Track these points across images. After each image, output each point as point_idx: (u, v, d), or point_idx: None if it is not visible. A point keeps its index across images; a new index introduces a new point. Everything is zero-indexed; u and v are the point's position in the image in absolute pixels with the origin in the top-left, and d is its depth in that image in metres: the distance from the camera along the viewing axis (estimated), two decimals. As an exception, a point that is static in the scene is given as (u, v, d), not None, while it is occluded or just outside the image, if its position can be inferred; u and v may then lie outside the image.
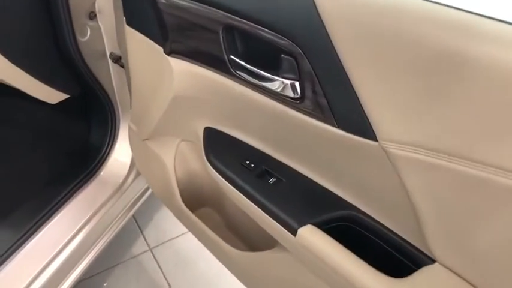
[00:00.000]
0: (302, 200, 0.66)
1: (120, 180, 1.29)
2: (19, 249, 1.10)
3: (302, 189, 0.68)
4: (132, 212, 1.35)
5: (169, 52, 0.75)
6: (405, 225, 0.56)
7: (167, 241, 1.58)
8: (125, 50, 0.93)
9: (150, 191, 1.42)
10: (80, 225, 1.20)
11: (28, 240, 1.12)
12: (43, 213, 1.17)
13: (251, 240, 0.93)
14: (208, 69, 0.71)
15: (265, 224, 0.69)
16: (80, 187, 1.26)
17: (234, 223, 0.97)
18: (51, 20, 0.99)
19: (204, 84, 0.73)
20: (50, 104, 1.13)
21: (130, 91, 1.01)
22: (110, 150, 1.29)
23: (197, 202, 1.00)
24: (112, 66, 1.18)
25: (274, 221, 0.66)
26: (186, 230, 1.56)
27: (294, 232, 0.62)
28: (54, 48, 1.04)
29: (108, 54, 1.16)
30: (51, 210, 1.19)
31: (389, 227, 0.59)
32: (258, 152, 0.75)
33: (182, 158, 0.97)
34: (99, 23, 1.11)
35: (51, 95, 1.09)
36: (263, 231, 0.78)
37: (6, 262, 1.05)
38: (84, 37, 1.09)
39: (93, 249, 1.23)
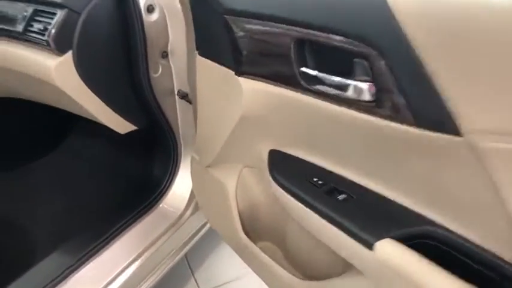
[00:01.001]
0: (376, 216, 0.63)
1: (178, 214, 1.30)
2: (72, 275, 1.12)
3: (374, 206, 0.64)
4: (185, 250, 1.35)
5: (240, 73, 0.78)
6: (498, 238, 0.50)
7: (219, 286, 1.53)
8: (194, 81, 0.99)
9: (205, 229, 1.42)
10: (133, 256, 1.20)
11: (81, 267, 1.14)
12: (98, 242, 1.20)
13: (314, 274, 0.87)
14: (278, 85, 0.72)
15: (335, 241, 0.65)
16: (137, 218, 1.28)
17: (296, 257, 0.93)
18: (130, 55, 1.08)
19: (272, 101, 0.74)
20: (115, 137, 1.20)
21: (195, 123, 1.05)
22: (170, 184, 1.32)
23: (256, 233, 0.98)
24: (178, 103, 1.25)
25: (346, 237, 0.62)
26: (239, 275, 1.51)
27: (369, 246, 0.58)
28: (129, 81, 1.12)
29: (176, 91, 1.23)
30: (106, 240, 1.21)
31: (478, 243, 0.53)
32: (325, 171, 0.73)
33: (244, 185, 0.97)
34: (170, 62, 1.19)
35: (121, 125, 1.16)
36: (328, 262, 0.73)
37: (59, 286, 1.07)
38: (156, 74, 1.17)
39: (142, 284, 1.22)
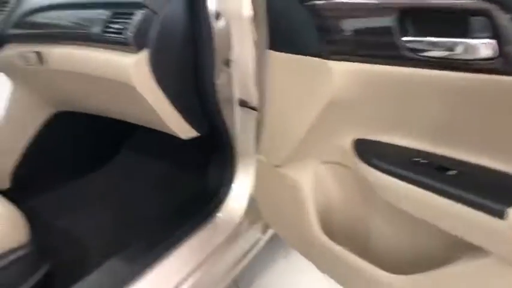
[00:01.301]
0: (496, 188, 0.58)
1: (235, 225, 1.25)
2: (125, 287, 1.06)
3: (491, 179, 0.60)
4: (242, 265, 1.29)
5: (330, 56, 0.77)
6: None
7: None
8: (264, 80, 0.99)
9: (259, 245, 1.37)
10: (189, 269, 1.15)
11: (135, 279, 1.09)
12: (153, 253, 1.15)
13: (405, 269, 0.81)
14: (375, 62, 0.71)
15: (453, 219, 0.60)
16: (193, 229, 1.24)
17: (382, 254, 0.86)
18: (198, 60, 1.09)
19: (367, 80, 0.73)
20: (170, 147, 1.20)
21: (258, 129, 1.04)
22: (226, 193, 1.29)
23: (331, 232, 0.93)
24: (237, 111, 1.24)
25: (468, 210, 0.57)
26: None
27: (500, 214, 0.53)
28: (195, 86, 1.12)
29: (235, 98, 1.23)
30: (161, 251, 1.17)
31: None
32: (423, 152, 0.70)
33: (319, 183, 0.93)
34: (232, 70, 1.20)
35: (184, 130, 1.15)
36: (426, 252, 0.68)
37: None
38: (219, 81, 1.18)
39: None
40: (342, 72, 0.75)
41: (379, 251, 0.87)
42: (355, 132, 0.81)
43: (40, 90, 1.40)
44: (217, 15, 1.09)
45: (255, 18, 1.06)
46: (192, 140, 1.23)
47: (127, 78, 0.97)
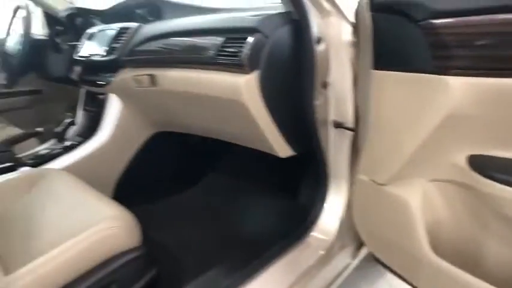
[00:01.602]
0: None
1: (326, 246, 1.25)
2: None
3: None
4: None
5: (445, 71, 0.78)
6: None
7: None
8: (367, 99, 1.01)
9: (349, 270, 1.34)
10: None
11: None
12: (245, 272, 1.17)
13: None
14: (498, 75, 0.71)
15: None
16: (283, 249, 1.25)
17: (495, 276, 0.82)
18: (300, 81, 1.15)
19: (488, 94, 0.73)
20: (262, 166, 1.24)
21: (354, 148, 1.06)
22: (318, 214, 1.30)
23: (441, 253, 0.90)
24: (331, 131, 1.27)
25: None
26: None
27: None
28: (296, 106, 1.18)
29: (330, 119, 1.27)
30: (253, 270, 1.19)
31: None
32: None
33: (428, 201, 0.92)
34: (328, 92, 1.24)
35: (283, 149, 1.20)
36: None
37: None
38: (317, 102, 1.22)
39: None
40: (461, 87, 0.76)
41: (493, 271, 0.83)
42: (470, 147, 0.80)
43: (145, 111, 1.54)
44: (319, 40, 1.15)
45: (357, 40, 1.11)
46: (283, 160, 1.27)
47: (238, 95, 1.05)
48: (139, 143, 1.61)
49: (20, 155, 1.53)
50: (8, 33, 1.88)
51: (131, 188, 1.60)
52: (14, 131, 1.87)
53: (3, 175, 1.41)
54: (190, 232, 1.44)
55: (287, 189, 1.41)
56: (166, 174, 1.66)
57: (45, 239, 0.94)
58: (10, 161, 1.48)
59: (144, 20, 1.55)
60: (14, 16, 1.87)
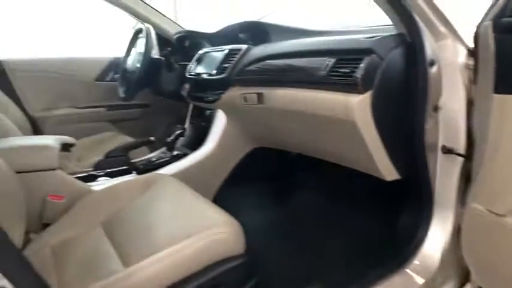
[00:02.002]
0: None
1: (427, 280, 1.20)
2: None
3: None
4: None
5: None
6: None
7: None
8: (486, 124, 0.97)
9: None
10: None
11: None
12: None
13: None
14: None
15: None
16: (380, 279, 1.22)
17: None
18: (411, 104, 1.14)
19: None
20: (361, 189, 1.23)
21: (462, 175, 1.01)
22: (419, 244, 1.25)
23: None
24: (440, 157, 1.23)
25: None
26: None
27: None
28: (406, 129, 1.16)
29: (439, 144, 1.23)
30: None
31: None
32: None
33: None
34: (439, 116, 1.21)
35: (389, 172, 1.19)
36: None
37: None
38: (427, 125, 1.20)
39: None
40: None
41: None
42: None
43: (248, 127, 1.63)
44: (432, 63, 1.14)
45: (476, 63, 1.08)
46: (383, 183, 1.25)
47: (350, 115, 1.07)
48: (239, 157, 1.69)
49: (133, 160, 1.70)
50: (128, 53, 2.12)
51: (229, 198, 1.68)
52: (125, 139, 2.08)
53: (122, 177, 1.57)
54: (283, 248, 1.47)
55: (386, 213, 1.38)
56: (263, 187, 1.72)
57: (159, 237, 1.02)
58: (126, 164, 1.65)
59: (247, 43, 1.65)
60: (135, 37, 2.10)
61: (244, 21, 1.87)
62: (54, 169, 1.38)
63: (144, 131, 2.36)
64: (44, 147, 1.39)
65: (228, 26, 1.87)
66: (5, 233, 0.63)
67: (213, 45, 1.93)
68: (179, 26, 2.30)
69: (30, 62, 2.22)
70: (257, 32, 1.69)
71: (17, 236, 1.08)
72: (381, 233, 1.37)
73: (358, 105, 1.06)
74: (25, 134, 1.93)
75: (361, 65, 1.06)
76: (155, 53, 2.06)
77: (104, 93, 2.25)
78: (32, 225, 1.29)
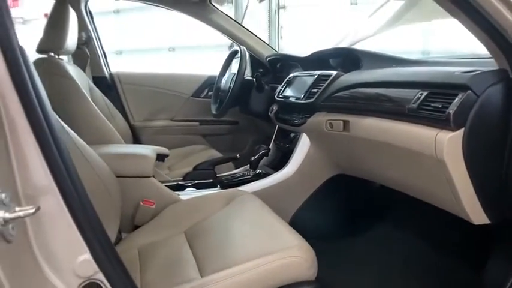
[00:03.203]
0: None
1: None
2: None
3: None
4: None
5: None
6: None
7: None
8: None
9: None
10: None
11: None
12: None
13: None
14: None
15: None
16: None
17: None
18: (508, 146, 1.05)
19: None
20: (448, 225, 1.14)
21: None
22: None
23: None
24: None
25: None
26: None
27: None
28: (500, 171, 1.07)
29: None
30: None
31: None
32: None
33: None
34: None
35: (477, 215, 1.10)
36: None
37: None
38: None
39: None
40: None
41: None
42: None
43: (331, 153, 1.63)
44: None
45: None
46: (469, 226, 1.16)
47: (439, 152, 1.02)
48: (320, 182, 1.70)
49: (219, 175, 1.80)
50: (222, 72, 2.26)
51: (306, 222, 1.69)
52: (213, 152, 2.21)
53: (207, 190, 1.67)
54: (357, 281, 1.43)
55: (470, 260, 1.27)
56: (342, 215, 1.70)
57: (235, 252, 1.06)
58: (211, 178, 1.76)
59: (337, 69, 1.66)
60: (230, 58, 2.24)
61: (336, 47, 1.89)
62: (149, 177, 1.52)
63: (231, 146, 2.48)
64: (143, 157, 1.54)
65: (320, 51, 1.90)
66: (105, 232, 0.71)
67: (303, 69, 1.98)
68: (272, 48, 2.40)
69: (136, 75, 2.49)
70: (348, 59, 1.69)
71: (110, 233, 1.21)
72: (465, 282, 1.27)
73: (448, 143, 1.01)
74: (126, 140, 2.16)
75: (455, 101, 1.01)
76: (247, 74, 2.17)
77: (198, 108, 2.42)
78: (125, 225, 1.44)
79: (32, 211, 0.56)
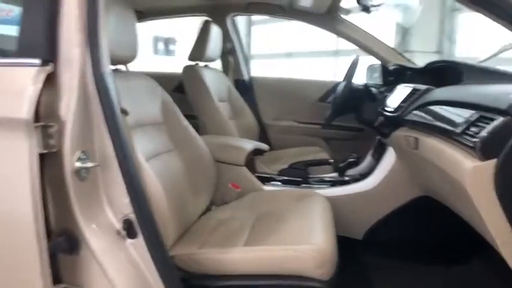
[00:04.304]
0: None
1: None
2: None
3: None
4: None
5: None
6: None
7: None
8: None
9: None
10: None
11: None
12: None
13: None
14: None
15: None
16: None
17: None
18: None
19: None
20: None
21: None
22: None
23: None
24: None
25: None
26: None
27: None
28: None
29: None
30: None
31: None
32: None
33: None
34: None
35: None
36: None
37: None
38: None
39: None
40: None
41: None
42: None
43: (413, 171, 1.55)
44: None
45: None
46: None
47: (465, 180, 0.94)
48: (403, 201, 1.64)
49: (310, 176, 1.93)
50: (344, 79, 2.33)
51: (382, 239, 1.67)
52: (325, 156, 2.31)
53: (290, 186, 1.84)
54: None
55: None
56: (421, 241, 1.60)
57: (272, 236, 1.26)
58: (301, 177, 1.90)
59: (439, 82, 1.55)
60: (353, 65, 2.28)
61: (445, 59, 1.73)
62: (241, 165, 1.80)
63: (352, 152, 2.52)
64: (239, 148, 1.83)
65: (431, 62, 1.78)
66: (143, 192, 0.98)
67: (417, 80, 1.88)
68: (404, 57, 2.31)
69: (271, 80, 2.80)
70: (450, 72, 1.56)
71: (202, 202, 1.55)
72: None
73: (472, 173, 0.92)
74: (254, 135, 2.49)
75: (488, 127, 0.91)
76: (377, 82, 2.17)
77: (322, 112, 2.55)
78: (217, 200, 1.76)
79: (91, 165, 0.89)
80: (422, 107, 1.39)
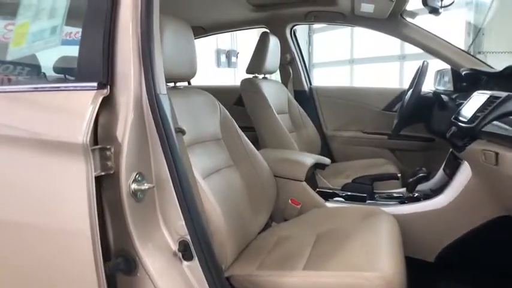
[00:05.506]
0: None
1: None
2: None
3: None
4: None
5: None
6: None
7: None
8: None
9: None
10: None
11: None
12: None
13: None
14: None
15: None
16: None
17: None
18: None
19: None
20: None
21: None
22: None
23: None
24: None
25: None
26: None
27: None
28: None
29: None
30: None
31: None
32: None
33: None
34: None
35: None
36: None
37: None
38: None
39: None
40: None
41: None
42: None
43: (492, 189, 1.39)
44: None
45: None
46: None
47: None
48: (481, 220, 1.47)
49: (375, 191, 1.81)
50: (410, 87, 2.18)
51: (458, 263, 1.51)
52: (392, 168, 2.17)
53: (354, 202, 1.75)
54: None
55: None
56: (501, 266, 1.43)
57: (334, 260, 1.19)
58: (367, 192, 1.80)
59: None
60: (421, 72, 2.13)
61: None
62: (301, 181, 1.74)
63: (423, 164, 2.34)
64: (299, 163, 1.78)
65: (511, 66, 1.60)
66: (198, 211, 0.97)
67: (495, 86, 1.70)
68: (478, 60, 2.12)
69: (332, 89, 2.71)
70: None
71: (261, 219, 1.53)
72: None
73: None
74: (315, 147, 2.42)
75: None
76: (449, 88, 2.01)
77: (388, 122, 2.41)
78: (276, 216, 1.72)
79: (147, 187, 0.89)
80: (502, 117, 1.25)
